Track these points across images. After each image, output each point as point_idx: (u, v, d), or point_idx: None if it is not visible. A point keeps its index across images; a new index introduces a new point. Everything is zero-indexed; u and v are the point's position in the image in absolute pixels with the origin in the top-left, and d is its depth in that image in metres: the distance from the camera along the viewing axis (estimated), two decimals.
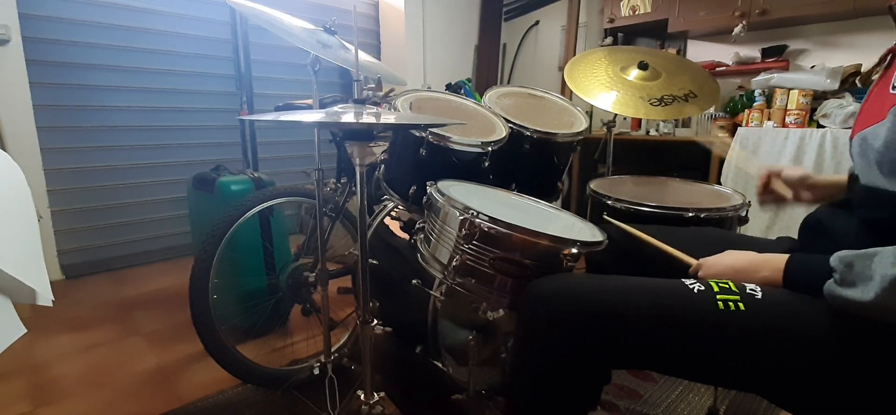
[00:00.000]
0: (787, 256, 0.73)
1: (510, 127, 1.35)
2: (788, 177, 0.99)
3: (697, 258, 0.85)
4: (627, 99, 1.58)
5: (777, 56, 2.80)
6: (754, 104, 2.66)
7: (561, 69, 3.74)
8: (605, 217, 1.18)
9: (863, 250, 0.62)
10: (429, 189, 1.05)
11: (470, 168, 1.26)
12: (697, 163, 2.86)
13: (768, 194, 1.02)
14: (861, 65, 2.45)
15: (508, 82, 4.16)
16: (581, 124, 1.48)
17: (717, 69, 2.99)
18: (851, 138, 0.76)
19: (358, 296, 1.22)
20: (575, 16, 3.52)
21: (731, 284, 0.71)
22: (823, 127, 2.40)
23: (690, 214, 1.17)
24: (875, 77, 0.78)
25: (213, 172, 1.88)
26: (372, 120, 0.87)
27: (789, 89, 2.54)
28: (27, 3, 2.18)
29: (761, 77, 2.67)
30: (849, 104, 2.34)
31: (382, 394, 1.08)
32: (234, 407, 1.42)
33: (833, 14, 2.54)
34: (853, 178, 0.83)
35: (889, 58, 0.77)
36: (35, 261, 0.80)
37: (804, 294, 0.68)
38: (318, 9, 3.09)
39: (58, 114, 2.33)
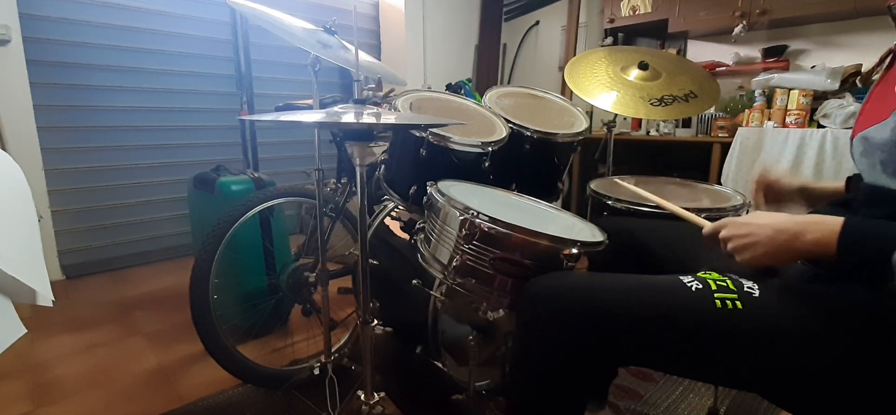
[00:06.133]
0: (840, 219, 0.64)
1: (510, 127, 1.35)
2: (785, 188, 0.98)
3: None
4: (628, 99, 1.58)
5: (777, 56, 2.80)
6: (754, 104, 2.66)
7: (561, 69, 3.73)
8: (617, 180, 1.18)
9: None
10: (429, 189, 1.05)
11: (470, 168, 1.26)
12: (698, 163, 2.86)
13: (761, 201, 1.01)
14: (861, 65, 2.45)
15: (509, 82, 4.16)
16: (581, 124, 1.48)
17: (718, 69, 2.99)
18: (852, 138, 0.76)
19: (358, 296, 1.22)
20: (575, 16, 3.52)
21: (728, 282, 0.71)
22: (824, 127, 2.40)
23: None
24: (875, 77, 0.78)
25: (214, 172, 1.89)
26: (372, 120, 0.87)
27: (789, 89, 2.54)
28: (27, 3, 2.18)
29: (761, 77, 2.67)
30: (849, 104, 2.34)
31: (383, 394, 1.08)
32: (234, 407, 1.42)
33: (833, 14, 2.53)
34: (852, 180, 0.83)
35: (890, 58, 0.77)
36: (35, 261, 0.80)
37: (854, 268, 0.63)
38: (319, 9, 3.09)
39: (58, 114, 2.33)
